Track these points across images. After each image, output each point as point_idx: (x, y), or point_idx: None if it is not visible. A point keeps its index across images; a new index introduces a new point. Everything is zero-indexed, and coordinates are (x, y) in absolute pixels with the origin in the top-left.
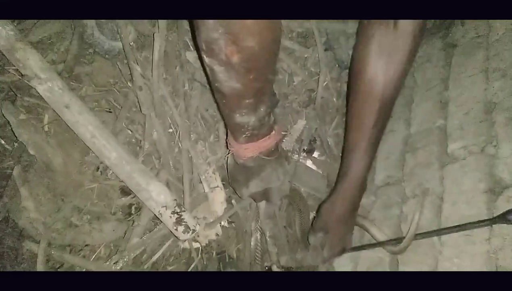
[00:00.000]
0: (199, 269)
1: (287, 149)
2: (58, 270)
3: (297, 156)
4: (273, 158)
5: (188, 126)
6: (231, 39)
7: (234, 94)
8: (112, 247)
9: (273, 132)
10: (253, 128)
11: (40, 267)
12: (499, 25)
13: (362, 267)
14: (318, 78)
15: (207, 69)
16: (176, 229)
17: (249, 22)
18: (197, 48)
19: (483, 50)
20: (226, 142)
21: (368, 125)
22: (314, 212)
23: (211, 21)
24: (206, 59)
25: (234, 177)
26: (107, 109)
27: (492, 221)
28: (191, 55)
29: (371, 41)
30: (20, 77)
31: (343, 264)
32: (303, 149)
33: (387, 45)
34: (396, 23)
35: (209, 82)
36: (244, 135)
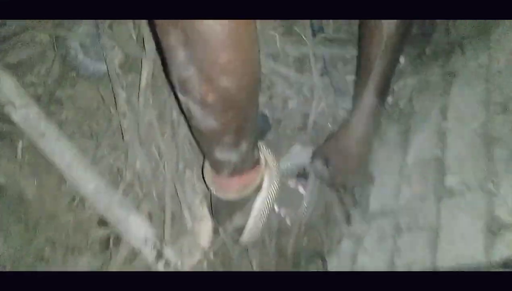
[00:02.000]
0: None
1: (279, 174)
2: None
3: (289, 181)
4: (258, 189)
5: (175, 154)
6: (204, 78)
7: (211, 132)
8: None
9: (258, 166)
10: (235, 164)
11: None
12: (501, 57)
13: None
14: (312, 103)
15: (183, 106)
16: (157, 264)
17: (222, 60)
18: (171, 85)
19: (483, 82)
20: (203, 177)
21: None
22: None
23: (182, 59)
24: (181, 97)
25: (217, 209)
26: (89, 135)
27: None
28: None
29: None
30: None
31: None
32: (295, 174)
33: None
34: None
35: (185, 118)
36: (226, 171)
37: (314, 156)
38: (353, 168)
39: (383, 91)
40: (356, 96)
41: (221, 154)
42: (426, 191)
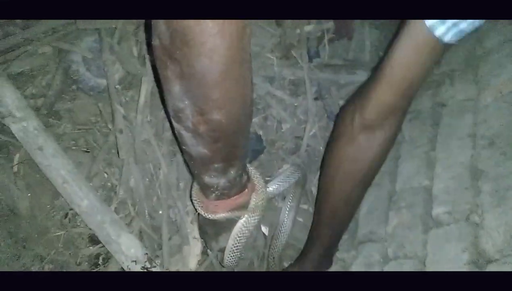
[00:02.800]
0: None
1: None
2: None
3: (277, 202)
4: (245, 213)
5: (170, 173)
6: (197, 111)
7: (201, 159)
8: None
9: (246, 190)
10: (223, 188)
11: None
12: (488, 92)
13: None
14: (305, 127)
15: (175, 131)
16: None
17: (215, 96)
18: (166, 112)
19: (471, 114)
20: (191, 198)
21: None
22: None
23: (177, 91)
24: (174, 124)
25: (204, 229)
26: (85, 149)
27: None
28: None
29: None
30: None
31: None
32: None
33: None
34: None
35: (177, 143)
36: (214, 194)
37: None
38: None
39: (331, 248)
40: (305, 246)
41: (209, 179)
42: (413, 220)
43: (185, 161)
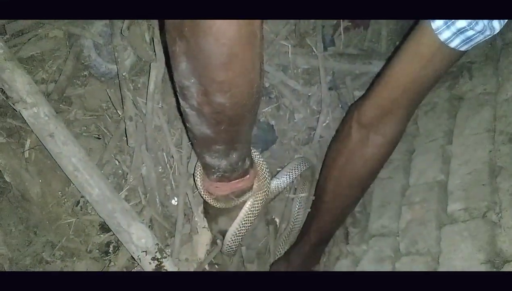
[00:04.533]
0: None
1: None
2: None
3: (288, 193)
4: (246, 198)
5: (181, 161)
6: (202, 91)
7: (204, 139)
8: None
9: (248, 176)
10: (224, 171)
11: None
12: (509, 85)
13: None
14: (319, 117)
15: (181, 108)
16: None
17: (219, 78)
18: (174, 89)
19: (490, 109)
20: (194, 179)
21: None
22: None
23: (183, 68)
24: (180, 101)
25: (206, 209)
26: (96, 136)
27: None
28: None
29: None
30: (5, 99)
31: None
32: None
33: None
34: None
35: (182, 121)
36: (215, 175)
37: None
38: None
39: (326, 240)
40: (302, 234)
41: (211, 159)
42: (427, 215)
43: (189, 139)
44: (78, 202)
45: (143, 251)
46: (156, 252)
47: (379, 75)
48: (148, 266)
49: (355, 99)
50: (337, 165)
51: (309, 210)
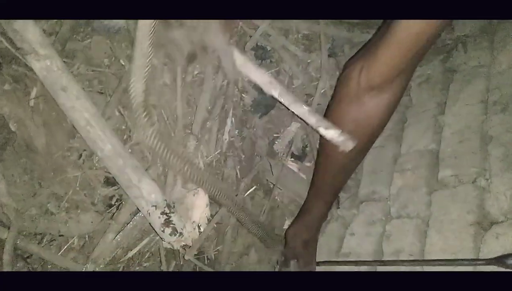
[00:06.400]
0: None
1: (278, 151)
2: (27, 260)
3: (285, 158)
4: None
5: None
6: None
7: None
8: (87, 239)
9: None
10: None
11: (6, 257)
12: (503, 58)
13: None
14: (318, 84)
15: None
16: (163, 231)
17: None
18: None
19: (484, 81)
20: None
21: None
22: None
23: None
24: None
25: None
26: (99, 91)
27: (488, 261)
28: None
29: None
30: (14, 50)
31: None
32: (292, 153)
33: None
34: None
35: None
36: None
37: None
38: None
39: (332, 203)
40: (307, 202)
41: None
42: (418, 181)
43: None
44: (81, 156)
45: (153, 206)
46: (165, 207)
47: (382, 35)
48: (157, 220)
49: None
50: (347, 130)
51: (314, 172)
